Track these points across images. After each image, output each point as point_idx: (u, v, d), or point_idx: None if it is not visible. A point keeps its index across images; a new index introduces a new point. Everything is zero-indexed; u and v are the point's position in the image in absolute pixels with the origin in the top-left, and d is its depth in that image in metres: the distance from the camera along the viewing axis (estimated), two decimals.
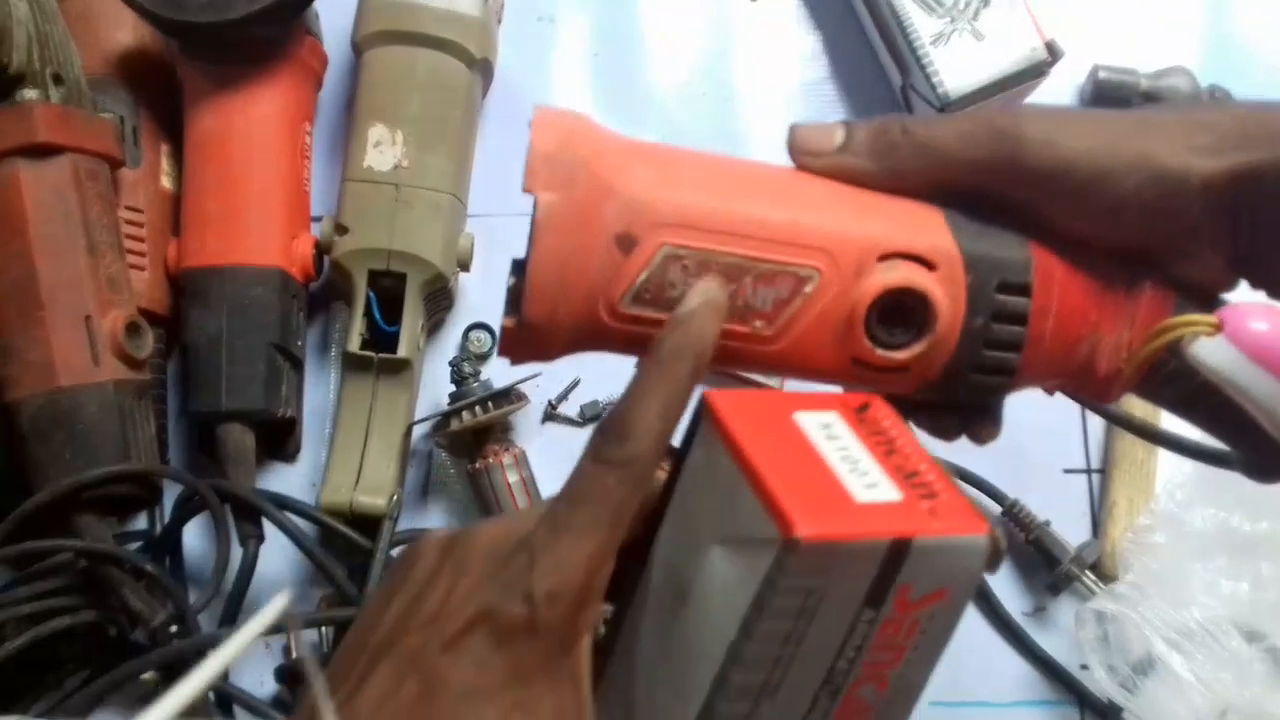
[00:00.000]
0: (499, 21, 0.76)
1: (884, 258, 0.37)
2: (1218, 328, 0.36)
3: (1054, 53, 0.69)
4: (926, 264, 0.37)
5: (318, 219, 0.73)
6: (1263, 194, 0.36)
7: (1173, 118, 0.38)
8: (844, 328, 0.37)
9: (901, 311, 0.37)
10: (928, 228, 0.37)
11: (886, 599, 0.31)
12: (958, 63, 0.70)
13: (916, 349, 0.37)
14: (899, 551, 0.30)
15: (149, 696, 0.67)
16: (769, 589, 0.30)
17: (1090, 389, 0.41)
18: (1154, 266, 0.40)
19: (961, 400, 0.40)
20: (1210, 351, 0.36)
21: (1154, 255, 0.39)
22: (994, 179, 0.38)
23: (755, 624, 0.30)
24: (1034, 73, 0.70)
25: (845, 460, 0.32)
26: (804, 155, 0.41)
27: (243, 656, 0.69)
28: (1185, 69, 0.78)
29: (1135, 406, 0.72)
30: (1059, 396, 0.44)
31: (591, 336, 0.37)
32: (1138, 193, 0.37)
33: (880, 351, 0.37)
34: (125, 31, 0.72)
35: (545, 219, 0.35)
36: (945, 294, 0.37)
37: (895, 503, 0.31)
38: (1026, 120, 0.38)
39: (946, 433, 0.42)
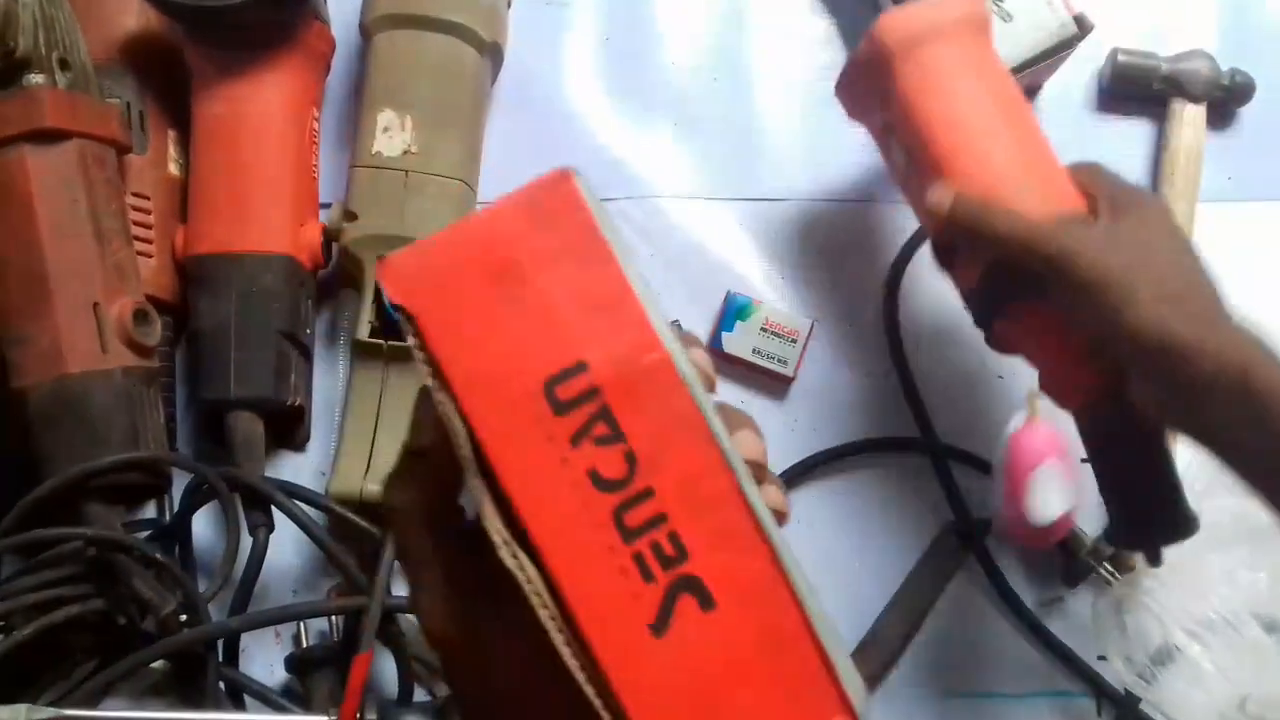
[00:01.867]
0: (509, 5, 0.75)
1: None
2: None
3: (1083, 26, 0.69)
4: None
5: (326, 206, 0.72)
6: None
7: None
8: None
9: None
10: None
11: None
12: None
13: None
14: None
15: (158, 686, 0.67)
16: None
17: None
18: None
19: None
20: None
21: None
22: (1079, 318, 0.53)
23: None
24: (1065, 46, 0.69)
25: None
26: None
27: (252, 644, 0.69)
28: (1205, 53, 0.77)
29: None
30: None
31: None
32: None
33: None
34: (131, 17, 0.71)
35: None
36: None
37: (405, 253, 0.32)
38: (1139, 283, 0.53)
39: None
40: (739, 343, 0.72)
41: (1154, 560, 0.62)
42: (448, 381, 0.30)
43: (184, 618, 0.63)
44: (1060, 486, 0.65)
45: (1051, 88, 0.78)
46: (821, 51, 0.79)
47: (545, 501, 0.31)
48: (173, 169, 0.72)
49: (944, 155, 0.61)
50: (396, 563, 0.35)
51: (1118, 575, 0.68)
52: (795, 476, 0.72)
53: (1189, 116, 0.76)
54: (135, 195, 0.69)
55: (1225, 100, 0.77)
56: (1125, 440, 0.60)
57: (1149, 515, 0.62)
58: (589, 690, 0.30)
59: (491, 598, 0.34)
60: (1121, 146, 0.78)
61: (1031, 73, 0.69)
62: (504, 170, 0.76)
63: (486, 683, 0.35)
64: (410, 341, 0.31)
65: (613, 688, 0.30)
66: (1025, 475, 0.66)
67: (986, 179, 0.60)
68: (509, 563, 0.30)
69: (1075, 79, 0.78)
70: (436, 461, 0.33)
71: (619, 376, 0.31)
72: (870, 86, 0.64)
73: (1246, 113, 0.78)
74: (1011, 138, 0.61)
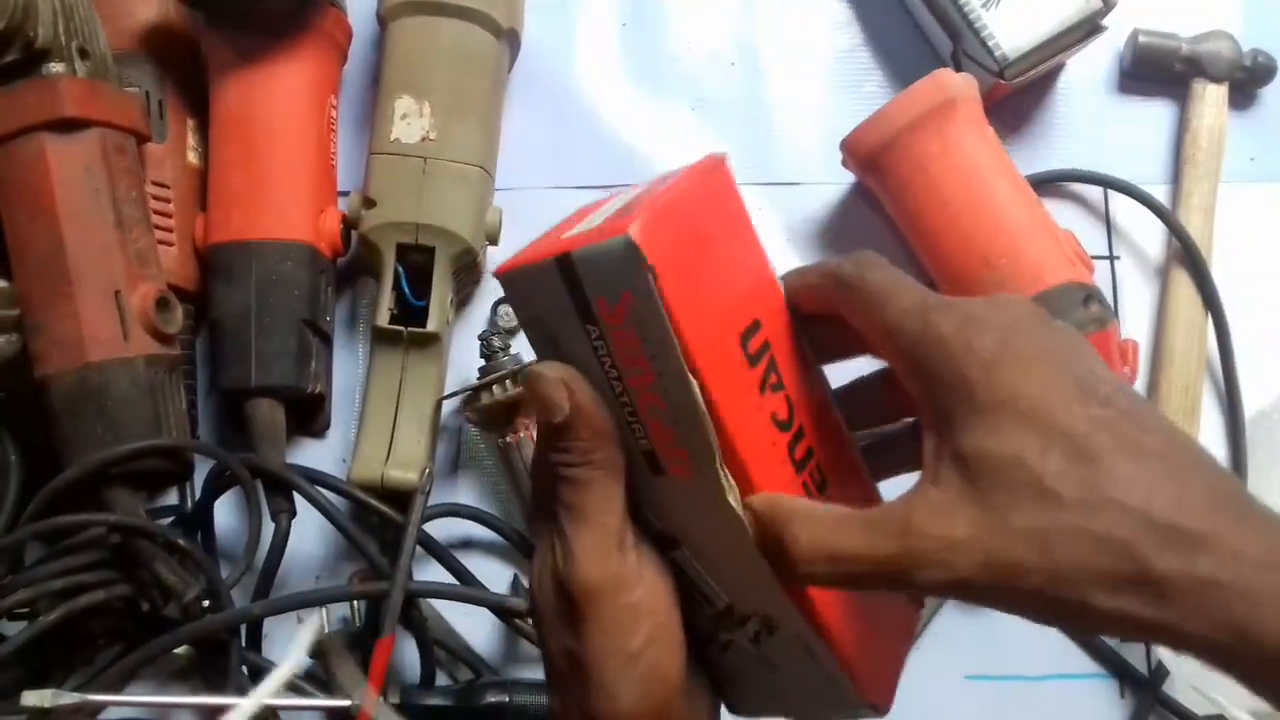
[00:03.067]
0: None
1: None
2: None
3: (1107, 3, 0.68)
4: None
5: (345, 194, 0.72)
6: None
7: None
8: None
9: None
10: None
11: (592, 311, 0.34)
12: (1011, 23, 0.69)
13: None
14: (566, 267, 0.34)
15: (182, 671, 0.67)
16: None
17: None
18: None
19: None
20: None
21: None
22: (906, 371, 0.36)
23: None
24: (1088, 25, 0.69)
25: (588, 218, 0.37)
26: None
27: (275, 630, 0.69)
28: (1227, 33, 0.76)
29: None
30: None
31: None
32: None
33: None
34: (149, 5, 0.71)
35: None
36: None
37: (581, 233, 0.34)
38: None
39: None
40: None
41: None
42: (680, 334, 0.33)
43: (207, 603, 0.63)
44: None
45: (1072, 69, 0.78)
46: (840, 35, 0.79)
47: (756, 442, 0.36)
48: (192, 158, 0.72)
49: (924, 250, 0.70)
50: (556, 510, 0.37)
51: None
52: None
53: (1210, 97, 0.75)
54: (155, 184, 0.69)
55: (1247, 81, 0.77)
56: None
57: None
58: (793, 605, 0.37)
59: (644, 557, 0.38)
60: (1143, 128, 0.78)
61: (1055, 50, 0.69)
62: (521, 156, 0.76)
63: (617, 639, 0.36)
64: (634, 300, 0.33)
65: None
66: None
67: (970, 262, 0.67)
68: (737, 508, 0.35)
69: (1096, 60, 0.78)
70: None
71: (775, 335, 0.38)
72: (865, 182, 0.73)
73: (1268, 93, 0.78)
74: (986, 214, 0.67)
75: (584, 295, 0.34)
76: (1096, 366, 0.33)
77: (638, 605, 0.37)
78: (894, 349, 0.35)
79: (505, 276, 0.36)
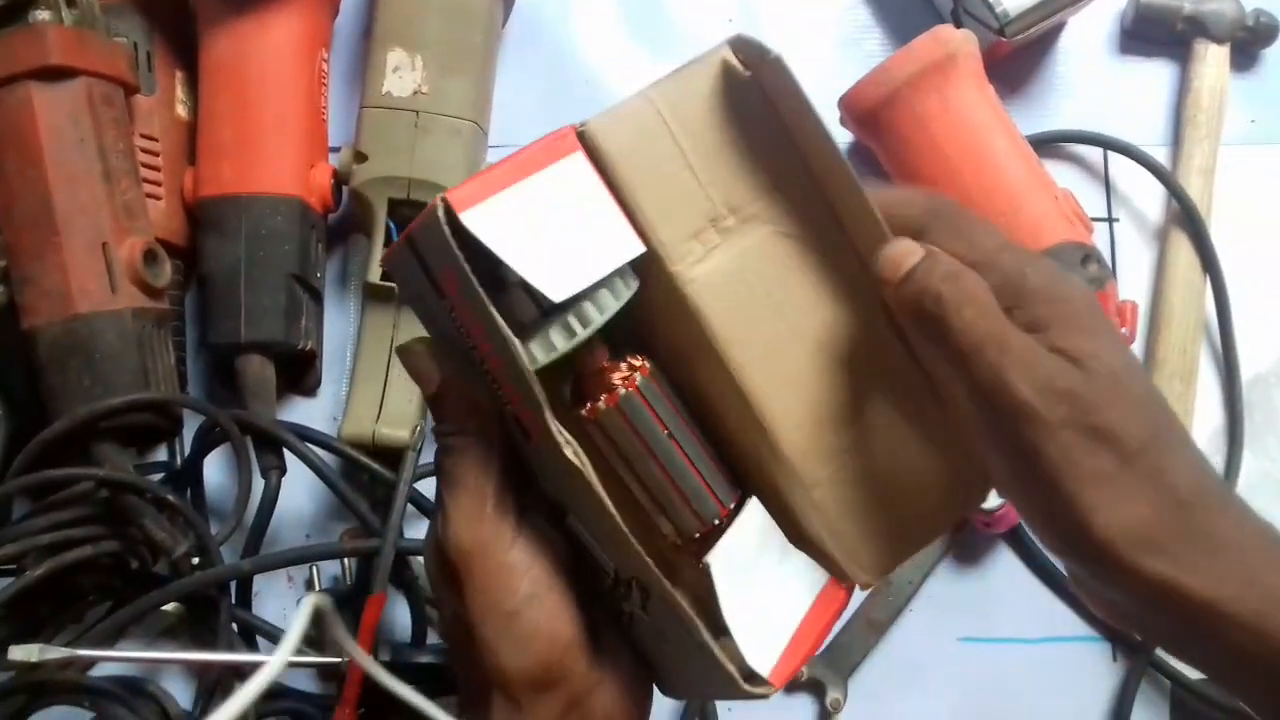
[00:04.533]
0: None
1: None
2: None
3: None
4: None
5: (336, 150, 0.71)
6: None
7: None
8: None
9: None
10: None
11: (440, 285, 0.35)
12: None
13: None
14: (413, 245, 0.35)
15: (172, 628, 0.67)
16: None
17: None
18: None
19: None
20: None
21: None
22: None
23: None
24: None
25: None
26: None
27: (265, 588, 0.69)
28: None
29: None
30: None
31: None
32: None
33: None
34: None
35: None
36: None
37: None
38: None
39: None
40: None
41: None
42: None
43: (196, 560, 0.63)
44: None
45: (1073, 28, 0.77)
46: None
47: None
48: (181, 111, 0.71)
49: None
50: (434, 479, 0.39)
51: None
52: None
53: (1212, 58, 0.75)
54: (143, 137, 0.68)
55: (1249, 42, 0.76)
56: None
57: None
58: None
59: (526, 521, 0.39)
60: (1143, 89, 0.77)
61: (1055, 8, 0.68)
62: (515, 113, 0.75)
63: (493, 596, 0.37)
64: None
65: None
66: None
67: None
68: (575, 460, 0.35)
69: (1097, 20, 0.77)
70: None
71: None
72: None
73: (1270, 55, 0.77)
74: (985, 171, 0.66)
75: (430, 271, 0.35)
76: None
77: (512, 565, 0.38)
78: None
79: (384, 260, 0.37)
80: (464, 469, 0.38)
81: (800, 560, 0.39)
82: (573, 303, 0.35)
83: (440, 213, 0.32)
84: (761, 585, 0.38)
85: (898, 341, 0.39)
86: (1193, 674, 0.67)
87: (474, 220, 0.33)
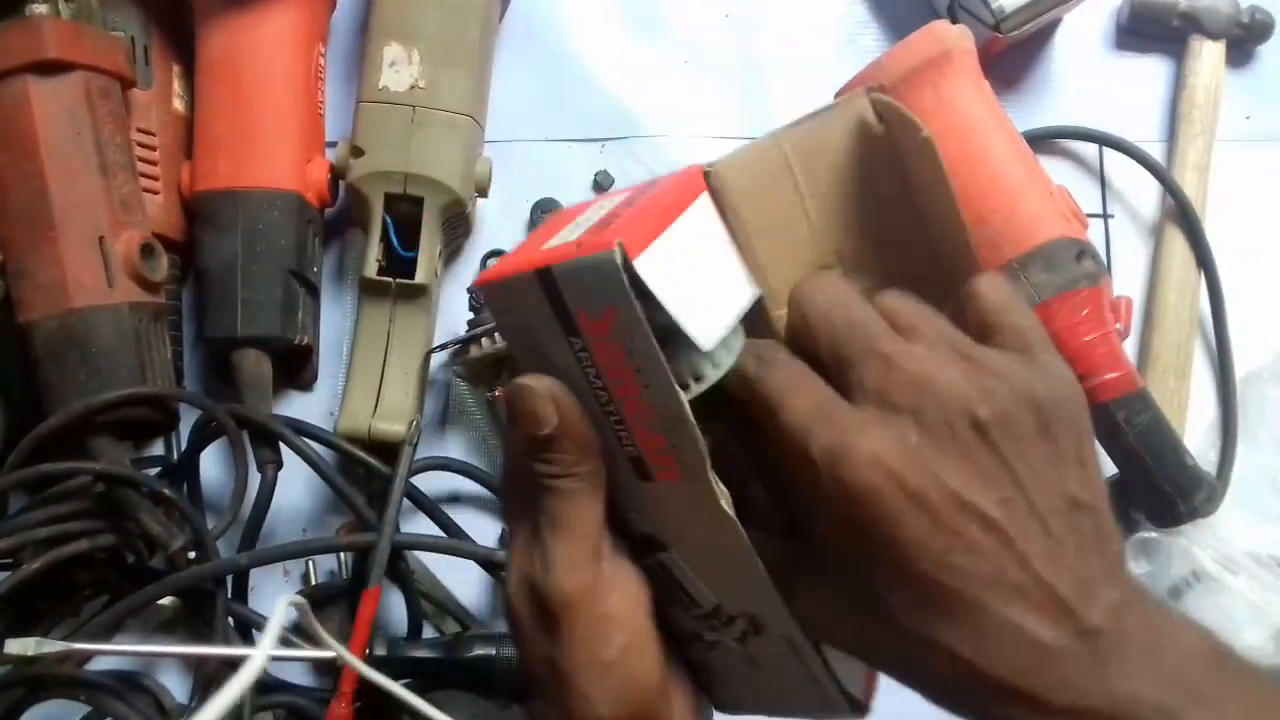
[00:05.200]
0: None
1: None
2: None
3: None
4: None
5: (334, 145, 0.71)
6: None
7: None
8: None
9: None
10: None
11: (575, 324, 0.34)
12: None
13: None
14: (547, 281, 0.33)
15: (168, 622, 0.67)
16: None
17: None
18: None
19: None
20: None
21: None
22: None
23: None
24: None
25: (567, 227, 0.36)
26: None
27: (261, 582, 0.69)
28: None
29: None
30: None
31: None
32: None
33: None
34: None
35: None
36: None
37: (562, 244, 0.34)
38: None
39: None
40: None
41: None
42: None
43: (192, 554, 0.63)
44: None
45: (1068, 24, 0.77)
46: None
47: None
48: (178, 105, 0.71)
49: None
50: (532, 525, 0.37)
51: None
52: None
53: (1207, 54, 0.75)
54: (140, 131, 0.68)
55: (1244, 38, 0.76)
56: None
57: (1169, 493, 0.66)
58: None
59: (619, 566, 0.38)
60: (1139, 85, 0.77)
61: (1051, 4, 0.68)
62: (512, 108, 0.75)
63: (593, 648, 0.37)
64: None
65: None
66: None
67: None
68: (730, 512, 0.35)
69: (1092, 17, 0.77)
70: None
71: None
72: None
73: (1266, 51, 0.77)
74: (981, 167, 0.66)
75: (566, 308, 0.34)
76: None
77: (612, 615, 0.37)
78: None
79: (486, 287, 0.36)
80: (574, 514, 0.37)
81: None
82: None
83: (618, 258, 0.32)
84: None
85: None
86: None
87: (645, 266, 0.32)
